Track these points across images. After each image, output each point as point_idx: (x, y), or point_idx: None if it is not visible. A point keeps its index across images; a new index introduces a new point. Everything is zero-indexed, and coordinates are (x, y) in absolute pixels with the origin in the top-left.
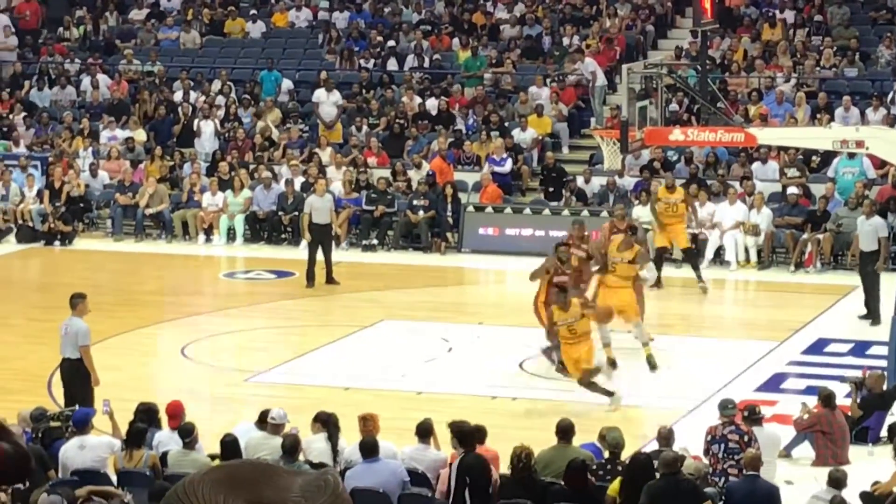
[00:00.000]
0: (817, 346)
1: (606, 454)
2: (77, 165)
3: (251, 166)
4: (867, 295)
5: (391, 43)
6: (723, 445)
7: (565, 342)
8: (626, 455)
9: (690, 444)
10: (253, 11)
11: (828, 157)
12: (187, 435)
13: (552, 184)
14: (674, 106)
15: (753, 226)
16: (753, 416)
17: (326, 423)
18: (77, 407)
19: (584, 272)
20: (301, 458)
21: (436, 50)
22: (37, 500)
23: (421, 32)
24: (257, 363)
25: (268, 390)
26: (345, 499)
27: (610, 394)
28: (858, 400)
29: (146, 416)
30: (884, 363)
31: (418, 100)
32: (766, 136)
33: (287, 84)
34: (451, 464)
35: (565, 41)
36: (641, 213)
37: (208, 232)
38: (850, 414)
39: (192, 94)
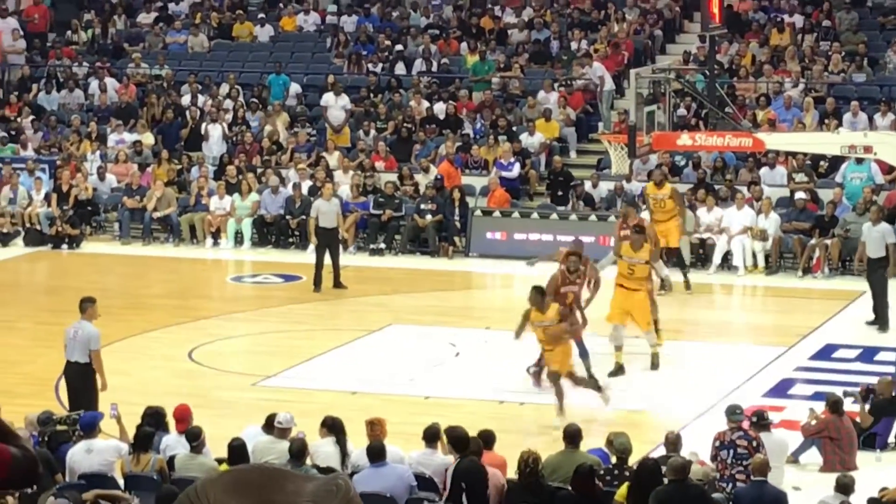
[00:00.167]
0: (825, 352)
1: (614, 459)
2: (85, 169)
3: (259, 170)
4: (875, 301)
5: (399, 47)
6: (731, 451)
7: (541, 344)
8: (633, 460)
9: (698, 449)
10: (261, 15)
11: (836, 162)
12: (194, 439)
13: (559, 188)
14: (682, 111)
15: (761, 231)
16: (762, 421)
17: (333, 427)
18: (83, 411)
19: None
20: (308, 462)
21: (444, 54)
22: (44, 503)
23: (429, 36)
24: (265, 367)
25: (275, 394)
26: (357, 503)
27: (594, 386)
28: (867, 406)
29: (154, 420)
30: (892, 369)
31: (426, 104)
32: (774, 141)
33: (295, 88)
34: (446, 470)
35: (573, 46)
36: (647, 218)
37: (216, 236)
38: (858, 420)
39: (200, 98)
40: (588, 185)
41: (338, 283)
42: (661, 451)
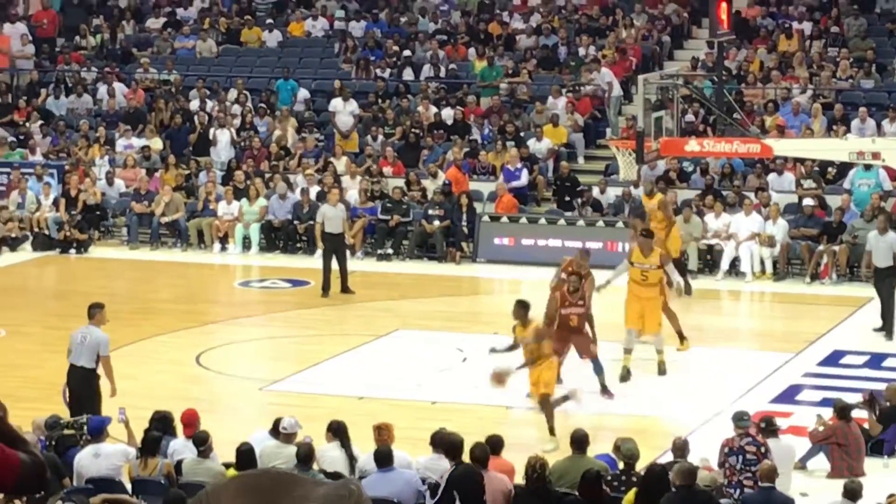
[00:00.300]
0: (833, 358)
1: (621, 465)
2: (93, 174)
3: (267, 175)
4: (883, 308)
5: (407, 52)
6: (740, 457)
7: (526, 361)
8: (640, 466)
9: (705, 455)
10: (269, 20)
11: (844, 168)
12: (202, 443)
13: (566, 193)
14: (690, 117)
15: (769, 237)
16: (770, 427)
17: (337, 431)
18: (85, 416)
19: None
20: (315, 467)
21: (452, 60)
22: None
23: (437, 42)
24: (272, 372)
25: (283, 399)
26: None
27: (565, 398)
28: (876, 414)
29: (161, 425)
30: None
31: (434, 109)
32: (782, 147)
33: (303, 93)
34: (441, 476)
35: (581, 52)
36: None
37: (223, 241)
38: (866, 426)
39: (209, 103)
40: (596, 191)
41: (345, 289)
42: (669, 457)
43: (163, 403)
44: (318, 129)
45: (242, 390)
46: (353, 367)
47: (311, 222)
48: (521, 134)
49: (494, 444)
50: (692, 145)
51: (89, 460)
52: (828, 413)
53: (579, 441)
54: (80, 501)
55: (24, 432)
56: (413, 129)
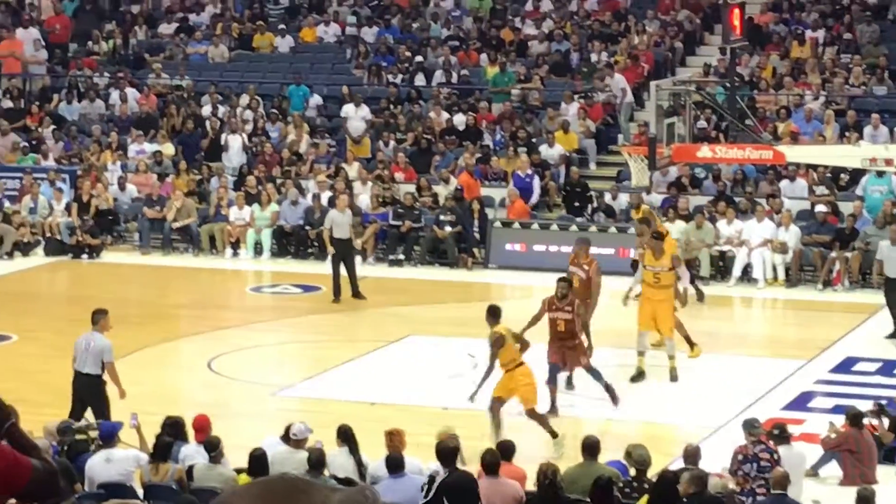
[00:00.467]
0: (845, 365)
1: (633, 472)
2: (105, 179)
3: (278, 181)
4: (895, 316)
5: (419, 58)
6: (755, 465)
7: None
8: (652, 473)
9: (717, 462)
10: (281, 26)
11: (856, 175)
12: (213, 449)
13: (575, 199)
14: (702, 123)
15: (781, 243)
16: (783, 434)
17: (344, 436)
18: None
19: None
20: (326, 472)
21: (464, 65)
22: None
23: (449, 48)
24: (284, 377)
25: (294, 405)
26: None
27: (554, 435)
28: (887, 423)
29: (173, 430)
30: None
31: (446, 115)
32: (795, 153)
33: (315, 99)
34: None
35: (593, 58)
36: (669, 230)
37: (235, 246)
38: (878, 434)
39: (220, 109)
40: (608, 197)
41: (356, 293)
42: (680, 464)
43: (174, 409)
44: (329, 135)
45: (254, 396)
46: (365, 373)
47: (322, 228)
48: (533, 140)
49: (506, 450)
50: (704, 151)
51: (101, 466)
52: (840, 420)
53: (591, 447)
54: None
55: (36, 437)
56: (425, 135)
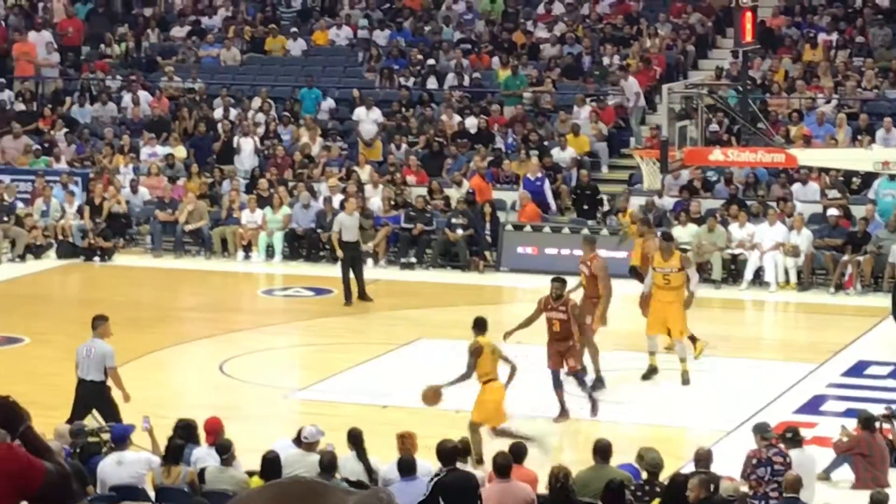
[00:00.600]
0: (857, 369)
1: (644, 475)
2: (117, 182)
3: (290, 184)
4: None
5: (431, 61)
6: (769, 468)
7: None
8: (664, 476)
9: (728, 465)
10: (293, 29)
11: (868, 178)
12: (225, 451)
13: (585, 202)
14: (714, 126)
15: (793, 247)
16: (795, 437)
17: (352, 439)
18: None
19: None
20: (338, 476)
21: (476, 69)
22: None
23: (461, 51)
24: (295, 380)
25: (305, 407)
26: None
27: (529, 439)
28: None
29: (185, 433)
30: None
31: (458, 118)
32: (807, 157)
33: (327, 102)
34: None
35: (605, 61)
36: (681, 233)
37: (247, 249)
38: (890, 437)
39: (232, 112)
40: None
41: (363, 296)
42: (692, 468)
43: (186, 411)
44: (341, 138)
45: (266, 398)
46: (376, 376)
47: (332, 231)
48: (545, 143)
49: (517, 453)
50: (716, 155)
51: (112, 468)
52: (852, 424)
53: (602, 451)
54: None
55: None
56: (437, 138)
